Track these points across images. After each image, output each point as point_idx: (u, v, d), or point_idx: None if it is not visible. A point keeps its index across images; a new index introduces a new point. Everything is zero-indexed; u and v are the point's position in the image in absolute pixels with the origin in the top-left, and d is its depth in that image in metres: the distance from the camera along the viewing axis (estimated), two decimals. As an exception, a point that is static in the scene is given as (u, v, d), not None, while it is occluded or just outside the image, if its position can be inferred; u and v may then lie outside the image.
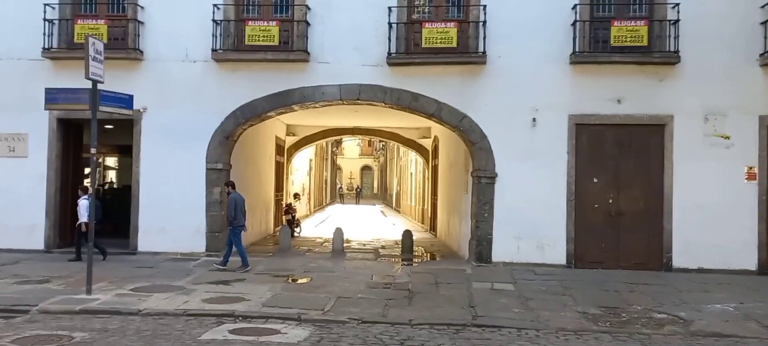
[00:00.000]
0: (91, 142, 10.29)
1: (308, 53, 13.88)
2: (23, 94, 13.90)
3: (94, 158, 10.59)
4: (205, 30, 13.92)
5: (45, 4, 13.91)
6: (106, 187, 20.47)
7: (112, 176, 22.29)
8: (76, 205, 13.62)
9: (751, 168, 13.26)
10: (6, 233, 14.21)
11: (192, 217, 14.16)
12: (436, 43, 13.46)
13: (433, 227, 23.40)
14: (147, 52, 14.19)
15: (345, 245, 16.43)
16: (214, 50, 13.95)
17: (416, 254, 16.23)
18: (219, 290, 10.53)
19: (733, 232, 13.14)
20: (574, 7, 13.33)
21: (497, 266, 13.39)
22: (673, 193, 13.33)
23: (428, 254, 16.87)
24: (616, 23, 13.24)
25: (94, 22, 13.94)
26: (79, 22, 13.95)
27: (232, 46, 14.09)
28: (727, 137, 13.28)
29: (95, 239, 10.59)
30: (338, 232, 16.22)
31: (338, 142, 53.55)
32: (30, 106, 13.44)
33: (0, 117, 14.27)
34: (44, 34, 13.92)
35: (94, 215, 10.58)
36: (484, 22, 13.42)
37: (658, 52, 13.28)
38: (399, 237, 17.31)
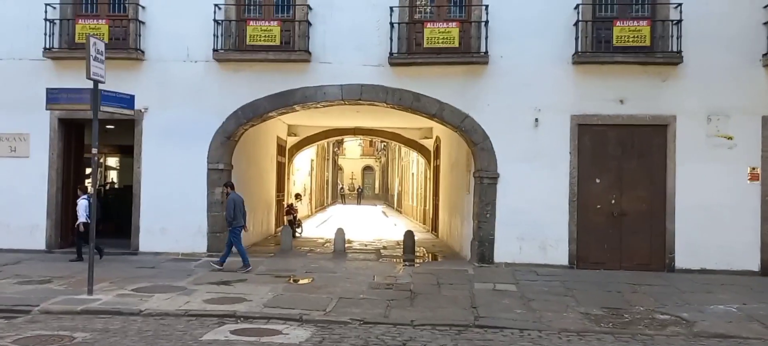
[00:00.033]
0: (92, 142, 10.28)
1: (310, 53, 13.86)
2: (25, 94, 13.89)
3: (96, 158, 10.58)
4: (207, 30, 13.91)
5: (46, 4, 13.90)
6: (108, 187, 20.46)
7: (113, 176, 22.32)
8: (77, 205, 13.60)
9: (754, 169, 13.23)
10: (7, 233, 14.21)
11: (193, 217, 14.15)
12: (438, 43, 13.42)
13: (434, 228, 23.37)
14: (148, 52, 14.18)
15: (346, 245, 16.41)
16: (215, 50, 13.93)
17: (418, 254, 16.19)
18: (220, 291, 10.51)
19: (736, 233, 13.10)
20: (577, 6, 13.30)
21: (499, 267, 13.36)
22: (676, 193, 13.30)
23: (430, 255, 16.85)
24: (618, 23, 13.20)
25: (95, 22, 13.93)
26: (80, 22, 13.93)
27: (233, 46, 14.07)
28: (730, 138, 13.24)
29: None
30: (340, 232, 16.20)
31: (340, 143, 53.53)
32: (31, 106, 13.42)
33: (1, 117, 14.28)
34: (45, 34, 13.90)
35: (95, 215, 10.54)
36: (486, 22, 13.39)
37: (660, 53, 13.24)
38: (400, 238, 17.29)
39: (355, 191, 63.36)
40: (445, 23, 13.56)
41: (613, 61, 13.31)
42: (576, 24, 13.28)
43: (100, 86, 10.13)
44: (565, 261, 13.40)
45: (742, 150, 13.20)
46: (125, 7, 14.33)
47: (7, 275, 11.56)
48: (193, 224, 14.16)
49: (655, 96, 13.36)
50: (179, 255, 13.98)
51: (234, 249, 12.82)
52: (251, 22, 13.89)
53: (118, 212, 16.41)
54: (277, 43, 13.78)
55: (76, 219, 13.42)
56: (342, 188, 61.82)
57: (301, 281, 11.80)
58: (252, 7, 14.38)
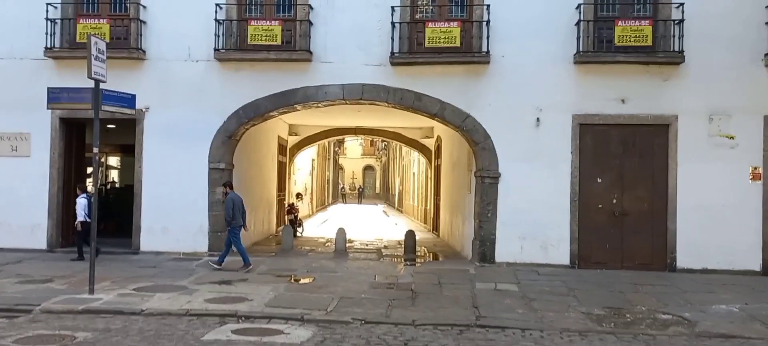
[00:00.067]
0: (93, 141, 10.28)
1: (311, 53, 13.85)
2: (26, 94, 13.89)
3: (97, 158, 10.59)
4: (208, 29, 13.91)
5: (47, 4, 13.91)
6: (109, 186, 20.46)
7: (114, 175, 22.32)
8: (76, 204, 13.59)
9: (755, 168, 13.21)
10: (9, 233, 14.22)
11: (194, 216, 14.15)
12: (440, 42, 13.41)
13: (435, 228, 23.35)
14: (149, 52, 14.17)
15: (347, 245, 16.39)
16: (216, 50, 13.92)
17: (419, 254, 16.18)
18: (222, 290, 10.50)
19: (738, 232, 13.09)
20: (578, 6, 13.28)
21: (501, 267, 13.35)
22: (678, 193, 13.29)
23: (431, 255, 16.83)
24: (620, 23, 13.17)
25: (96, 21, 13.92)
26: (81, 21, 13.92)
27: (234, 46, 14.06)
28: (732, 137, 13.22)
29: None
30: (341, 232, 16.18)
31: (340, 142, 53.55)
32: (33, 106, 13.43)
33: (3, 116, 14.27)
34: (47, 33, 13.90)
35: (96, 214, 10.53)
36: (488, 22, 13.38)
37: (662, 52, 13.23)
38: (402, 237, 17.29)
39: (356, 191, 63.37)
40: (446, 23, 13.55)
41: (614, 60, 13.30)
42: (578, 23, 13.26)
43: (102, 86, 10.12)
44: (566, 261, 13.39)
45: (744, 150, 13.19)
46: (126, 7, 14.33)
47: (8, 274, 11.56)
48: (195, 223, 14.16)
49: (657, 96, 13.35)
50: (180, 255, 13.98)
51: (233, 249, 12.81)
52: (252, 22, 13.87)
53: (119, 212, 16.42)
54: (279, 42, 13.76)
55: (77, 218, 13.42)
56: (343, 187, 61.82)
57: (302, 281, 11.80)
58: (253, 7, 14.37)
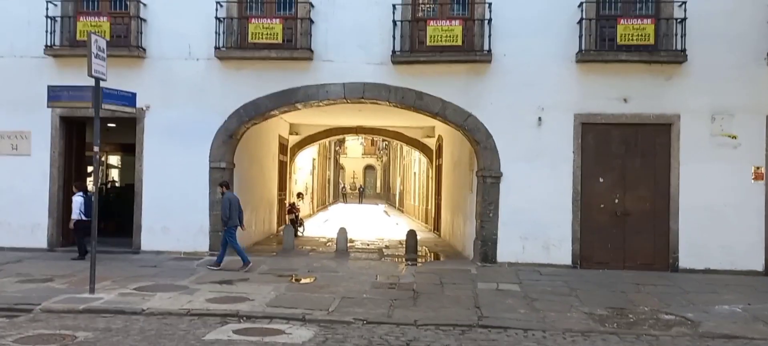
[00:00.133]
0: (94, 140, 10.24)
1: (312, 51, 13.81)
2: (26, 92, 13.85)
3: (97, 156, 10.54)
4: (209, 28, 13.86)
5: (47, 2, 13.86)
6: (109, 186, 20.42)
7: (114, 174, 22.27)
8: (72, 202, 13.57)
9: (758, 168, 13.17)
10: (9, 232, 14.19)
11: (195, 216, 14.11)
12: (441, 41, 13.35)
13: (436, 227, 23.31)
14: (150, 50, 14.12)
15: (349, 244, 16.35)
16: (217, 48, 13.88)
17: (420, 254, 16.14)
18: (223, 290, 10.47)
19: (740, 232, 13.05)
20: (581, 5, 13.24)
21: (502, 267, 13.31)
22: (680, 193, 13.24)
23: (432, 254, 16.80)
24: (622, 21, 13.12)
25: (96, 19, 13.86)
26: (81, 19, 13.85)
27: (235, 44, 14.02)
28: (735, 137, 13.18)
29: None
30: (342, 231, 16.15)
31: (341, 142, 53.52)
32: (33, 104, 13.40)
33: (3, 115, 14.23)
34: (47, 31, 13.85)
35: (96, 213, 10.49)
36: (490, 20, 13.33)
37: (664, 51, 13.18)
38: (403, 237, 17.26)
39: (357, 190, 63.35)
40: (448, 21, 13.50)
41: (616, 59, 13.25)
42: (580, 22, 13.21)
43: (102, 84, 10.08)
44: (568, 261, 13.35)
45: (746, 149, 13.14)
46: (127, 5, 14.28)
47: (8, 273, 11.52)
48: (195, 222, 14.12)
49: (659, 95, 13.30)
50: (181, 254, 13.95)
51: (231, 248, 12.78)
52: (253, 20, 13.81)
53: (119, 211, 16.38)
54: (279, 41, 13.71)
55: (71, 216, 13.37)
56: (343, 187, 61.81)
57: (303, 281, 11.76)
58: (254, 5, 14.31)
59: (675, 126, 13.29)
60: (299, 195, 25.51)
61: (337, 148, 52.01)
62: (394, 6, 13.48)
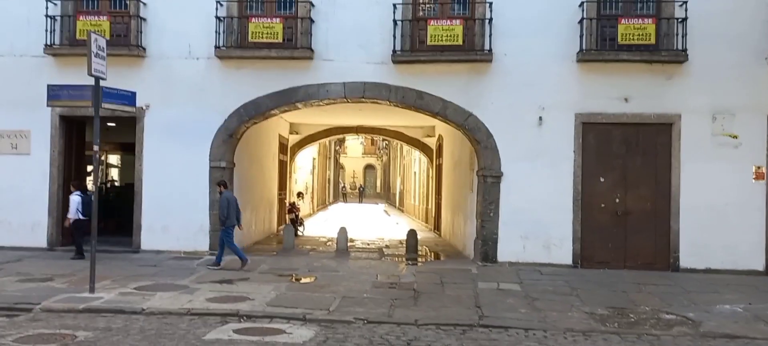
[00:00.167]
0: (94, 139, 10.22)
1: (312, 51, 13.79)
2: (26, 91, 13.83)
3: (97, 156, 10.52)
4: (209, 27, 13.84)
5: (47, 1, 13.82)
6: (109, 185, 20.41)
7: (114, 173, 22.25)
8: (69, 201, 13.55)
9: (759, 168, 13.15)
10: (9, 231, 14.17)
11: (195, 215, 14.09)
12: (442, 40, 13.34)
13: (437, 227, 23.30)
14: (150, 49, 14.10)
15: (349, 244, 16.33)
16: (217, 47, 13.86)
17: (421, 253, 16.13)
18: (223, 289, 10.44)
19: (741, 232, 13.03)
20: (581, 4, 13.22)
21: (503, 266, 13.29)
22: (681, 192, 13.23)
23: (433, 254, 16.78)
24: (623, 21, 13.11)
25: (96, 18, 13.84)
26: (81, 18, 13.83)
27: (235, 44, 14.00)
28: (735, 137, 13.16)
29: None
30: (342, 231, 16.13)
31: (341, 141, 53.48)
32: (33, 104, 13.37)
33: (3, 114, 14.20)
34: (46, 30, 13.82)
35: (96, 212, 10.48)
36: (490, 20, 13.31)
37: (665, 51, 13.16)
38: (403, 237, 17.24)
39: (357, 190, 63.33)
40: (448, 21, 13.48)
41: (617, 59, 13.23)
42: (581, 22, 13.20)
43: (102, 83, 10.06)
44: (569, 260, 13.33)
45: (748, 149, 13.13)
46: (126, 4, 14.25)
47: (8, 272, 11.50)
48: (195, 222, 14.10)
49: (660, 94, 13.28)
50: (181, 253, 13.93)
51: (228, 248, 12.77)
52: (253, 19, 13.79)
53: (119, 210, 16.36)
54: (280, 40, 13.69)
55: (68, 215, 13.35)
56: (344, 186, 61.79)
57: (303, 280, 11.74)
58: (254, 4, 14.29)
59: (676, 126, 13.27)
60: (299, 194, 25.50)
61: (338, 147, 51.99)
62: (394, 5, 13.46)
